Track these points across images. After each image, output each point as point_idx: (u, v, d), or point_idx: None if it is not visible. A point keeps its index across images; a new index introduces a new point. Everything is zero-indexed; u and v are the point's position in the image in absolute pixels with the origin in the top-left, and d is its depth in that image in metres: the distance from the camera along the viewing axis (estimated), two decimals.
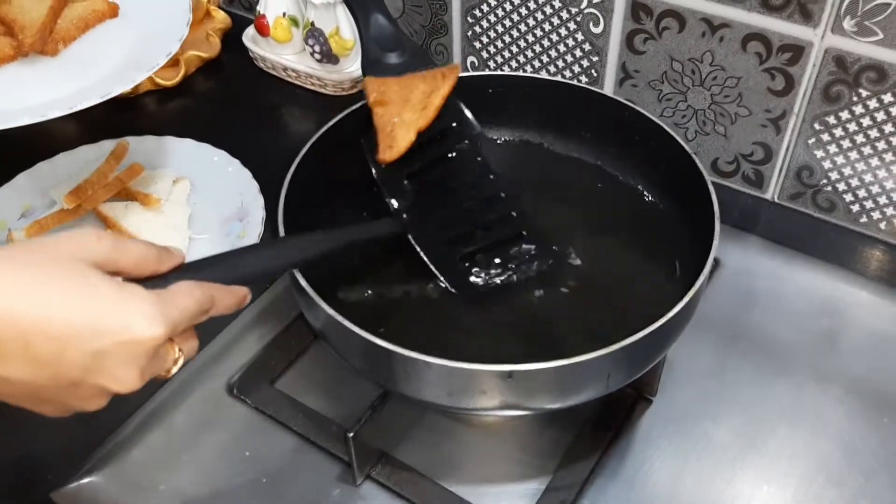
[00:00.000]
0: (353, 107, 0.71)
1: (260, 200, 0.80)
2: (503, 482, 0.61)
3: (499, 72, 0.88)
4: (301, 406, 0.65)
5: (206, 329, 0.70)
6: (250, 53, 1.00)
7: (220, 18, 1.05)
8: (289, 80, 0.98)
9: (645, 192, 0.72)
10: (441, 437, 0.64)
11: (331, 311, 0.53)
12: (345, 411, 0.65)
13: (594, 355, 0.51)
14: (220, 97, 0.99)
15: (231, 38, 1.04)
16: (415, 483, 0.60)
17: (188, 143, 0.86)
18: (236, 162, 0.84)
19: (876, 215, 0.77)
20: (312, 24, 0.92)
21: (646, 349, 0.55)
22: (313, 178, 0.67)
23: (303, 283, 0.56)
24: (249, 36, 1.00)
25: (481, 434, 0.64)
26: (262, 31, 0.96)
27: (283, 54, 0.97)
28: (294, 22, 0.95)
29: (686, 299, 0.55)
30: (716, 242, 0.59)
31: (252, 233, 0.77)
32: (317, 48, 0.93)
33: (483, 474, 0.62)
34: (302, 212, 0.66)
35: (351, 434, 0.57)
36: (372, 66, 0.74)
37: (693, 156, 0.65)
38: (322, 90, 0.97)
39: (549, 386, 0.54)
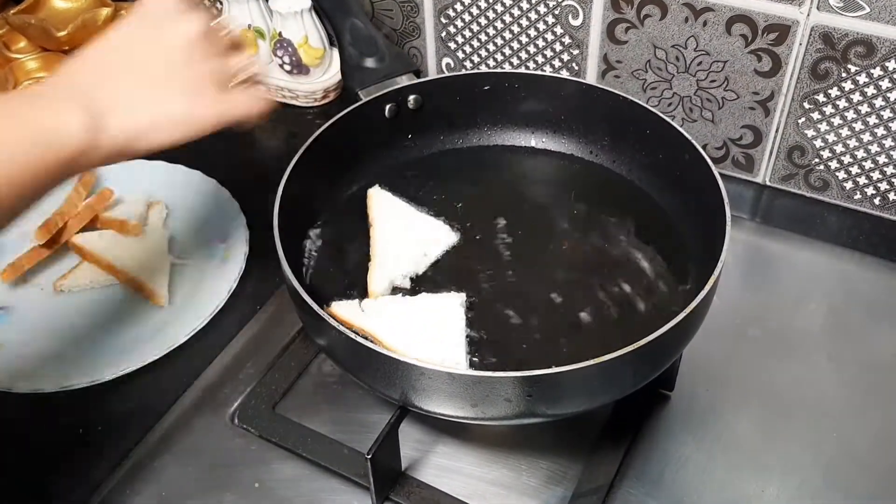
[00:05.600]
0: (341, 113, 0.68)
1: (242, 219, 0.77)
2: (528, 493, 0.59)
3: (475, 71, 0.86)
4: (307, 430, 0.63)
5: (200, 356, 0.67)
6: None
7: None
8: None
9: (645, 187, 0.70)
10: (458, 452, 0.61)
11: (343, 329, 0.51)
12: (352, 432, 0.62)
13: (617, 354, 0.49)
14: None
15: None
16: (437, 502, 0.58)
17: (160, 166, 0.82)
18: (213, 181, 0.81)
19: (870, 191, 0.76)
20: (280, 34, 0.89)
21: (670, 343, 0.53)
22: (303, 191, 0.64)
23: (308, 300, 0.53)
24: None
25: (500, 445, 0.62)
26: None
27: None
28: (260, 34, 0.92)
29: (706, 289, 0.53)
30: (728, 228, 0.58)
31: (236, 254, 0.74)
32: (286, 59, 0.89)
33: (506, 486, 0.59)
34: (291, 228, 0.64)
35: (369, 456, 0.54)
36: (353, 72, 0.72)
37: (702, 151, 0.63)
38: (293, 101, 0.94)
39: (573, 389, 0.52)
